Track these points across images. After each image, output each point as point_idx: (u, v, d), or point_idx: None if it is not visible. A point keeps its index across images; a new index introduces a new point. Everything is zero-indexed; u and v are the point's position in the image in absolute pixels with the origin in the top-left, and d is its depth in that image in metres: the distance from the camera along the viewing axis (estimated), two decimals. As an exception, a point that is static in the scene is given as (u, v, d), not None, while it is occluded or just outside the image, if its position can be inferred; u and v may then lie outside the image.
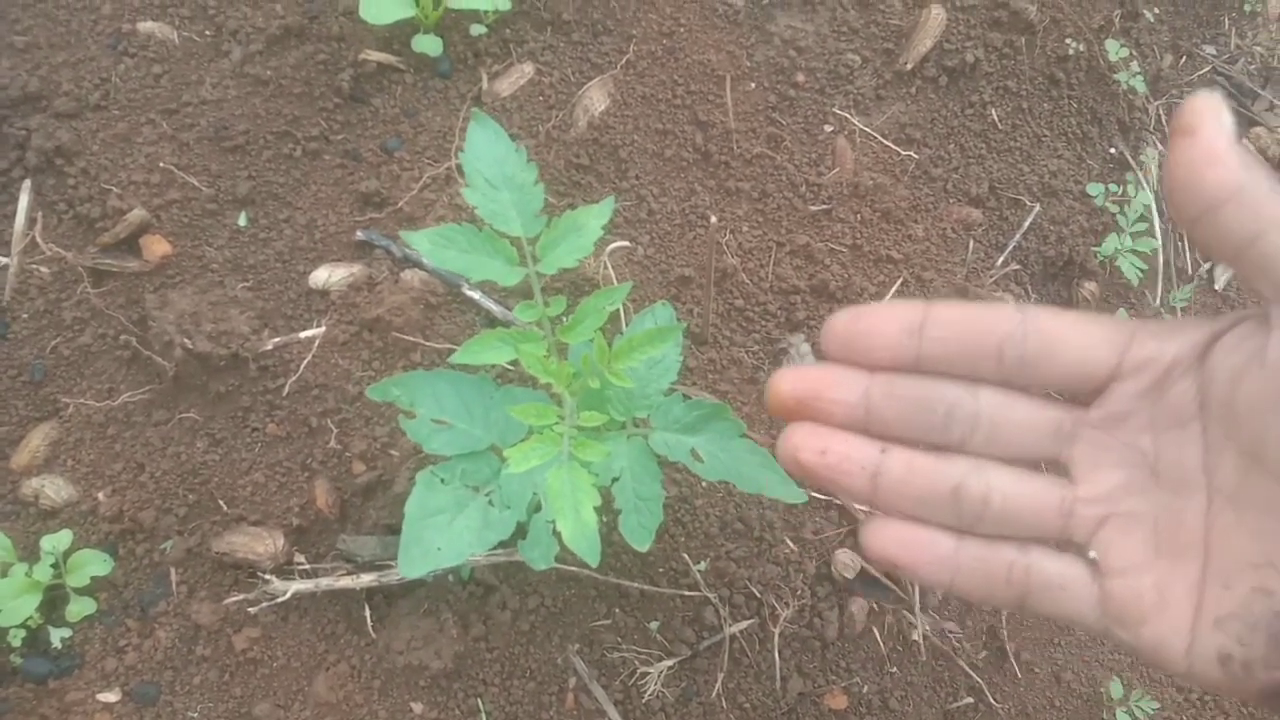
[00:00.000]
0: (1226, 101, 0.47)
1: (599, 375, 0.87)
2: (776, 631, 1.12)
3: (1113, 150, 1.57)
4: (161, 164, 1.28)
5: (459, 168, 1.30)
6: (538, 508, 0.92)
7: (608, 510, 0.93)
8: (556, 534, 0.83)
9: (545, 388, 1.15)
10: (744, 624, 1.11)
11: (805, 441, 0.56)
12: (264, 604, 1.08)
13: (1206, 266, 1.64)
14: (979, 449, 0.56)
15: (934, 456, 0.56)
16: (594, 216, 0.91)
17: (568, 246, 0.90)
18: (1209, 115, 0.47)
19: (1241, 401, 0.48)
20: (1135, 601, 0.51)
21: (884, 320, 0.56)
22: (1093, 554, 0.53)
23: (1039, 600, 0.54)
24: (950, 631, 1.27)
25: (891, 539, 0.56)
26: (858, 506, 1.19)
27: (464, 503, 0.88)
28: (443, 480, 0.88)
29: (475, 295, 1.23)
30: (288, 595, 1.07)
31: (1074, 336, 0.53)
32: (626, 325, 1.19)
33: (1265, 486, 0.47)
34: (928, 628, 1.23)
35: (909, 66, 1.38)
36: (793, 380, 0.57)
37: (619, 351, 0.86)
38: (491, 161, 0.91)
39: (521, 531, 0.92)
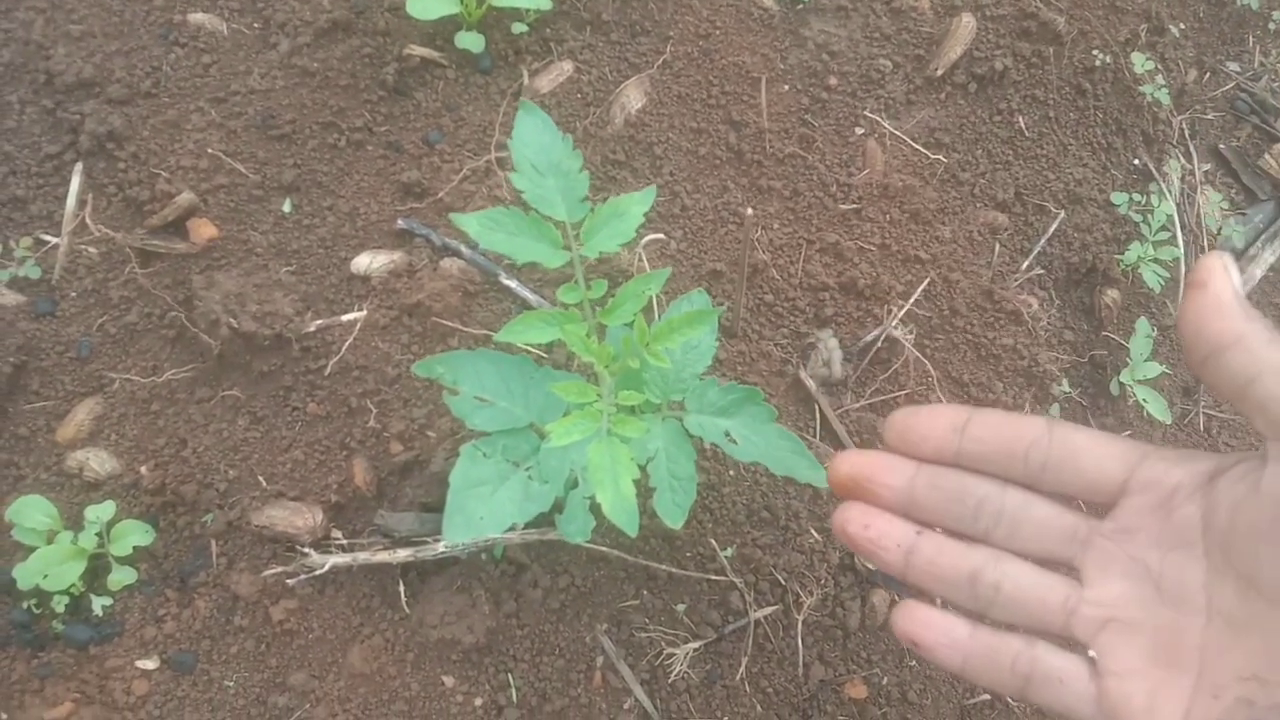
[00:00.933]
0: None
1: (638, 355, 0.90)
2: (800, 619, 1.14)
3: (1136, 161, 1.59)
4: (209, 150, 1.31)
5: (498, 161, 1.33)
6: (575, 484, 0.95)
7: (641, 490, 0.95)
8: (594, 507, 0.85)
9: (584, 368, 1.18)
10: (768, 610, 1.14)
11: (854, 517, 0.66)
12: (302, 576, 1.10)
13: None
14: (1001, 542, 0.62)
15: (960, 543, 0.63)
16: (636, 203, 0.94)
17: (610, 231, 0.93)
18: (1218, 270, 0.53)
19: (1239, 529, 0.52)
20: (1128, 703, 0.55)
21: (935, 417, 0.65)
22: (1092, 653, 0.58)
23: (1039, 691, 0.59)
24: (969, 628, 1.29)
25: (916, 620, 0.63)
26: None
27: (505, 476, 0.91)
28: (485, 454, 0.91)
29: (512, 284, 1.26)
30: (325, 568, 1.09)
31: (1091, 449, 0.59)
32: (659, 316, 1.22)
33: (1259, 609, 0.51)
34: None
35: (939, 73, 1.41)
36: (852, 462, 0.67)
37: (658, 333, 0.89)
38: (539, 149, 0.94)
39: (558, 507, 0.95)
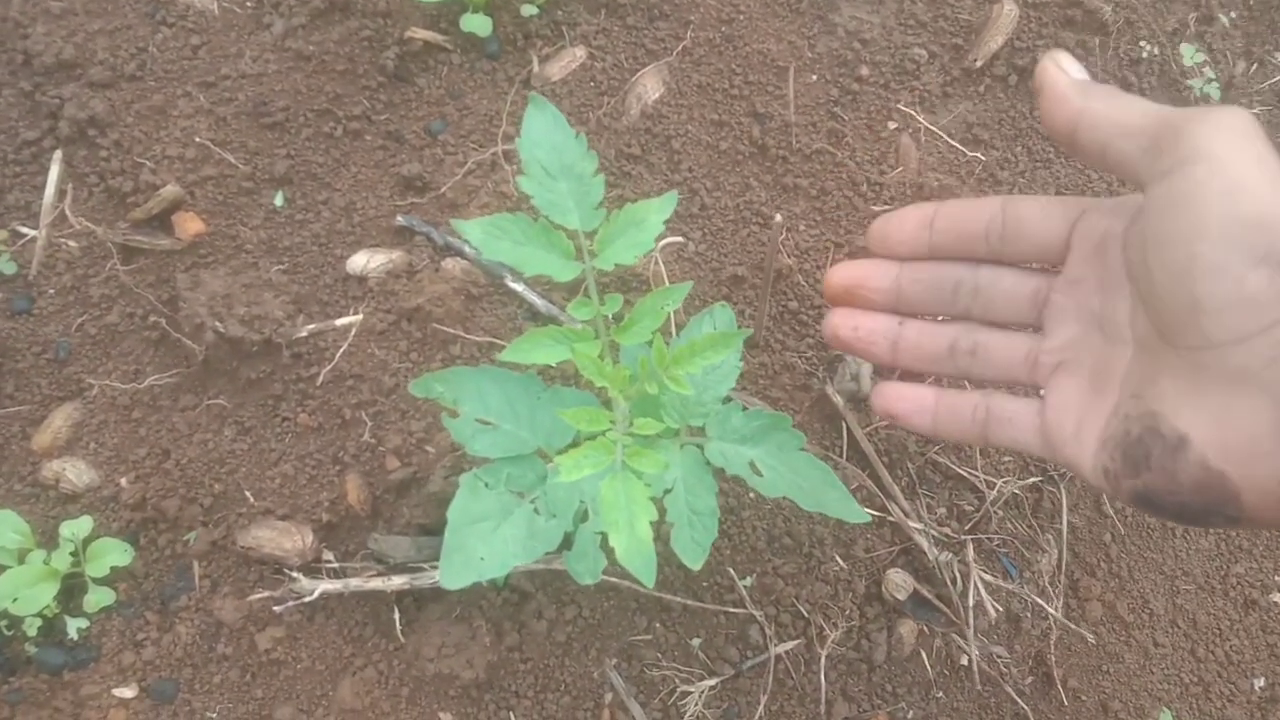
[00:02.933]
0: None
1: (657, 380, 0.81)
2: (823, 653, 1.06)
3: (1182, 159, 1.50)
4: (197, 139, 1.23)
5: (505, 153, 1.24)
6: (585, 517, 0.87)
7: (657, 523, 0.87)
8: (607, 549, 0.77)
9: (597, 391, 1.10)
10: (790, 644, 1.06)
11: (842, 322, 0.72)
12: (289, 603, 1.03)
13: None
14: (980, 316, 0.69)
15: (937, 323, 0.71)
16: (655, 211, 0.86)
17: (626, 242, 0.85)
18: (1050, 69, 0.59)
19: (1132, 254, 0.57)
20: (1061, 430, 0.62)
21: (905, 218, 0.69)
22: (1042, 392, 0.65)
23: (995, 432, 0.67)
24: (998, 656, 1.22)
25: (891, 397, 0.71)
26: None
27: (509, 509, 0.83)
28: (486, 485, 0.83)
29: (519, 288, 1.17)
30: (315, 595, 1.02)
31: (1037, 213, 0.64)
32: (675, 327, 1.14)
33: (1146, 325, 0.57)
34: (977, 652, 1.17)
35: (978, 64, 1.31)
36: (844, 274, 0.72)
37: (679, 356, 0.80)
38: (550, 149, 0.86)
39: (567, 542, 0.87)
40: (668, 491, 0.86)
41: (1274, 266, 0.49)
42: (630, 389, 0.82)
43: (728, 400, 0.91)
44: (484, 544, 0.80)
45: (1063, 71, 0.60)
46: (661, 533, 0.89)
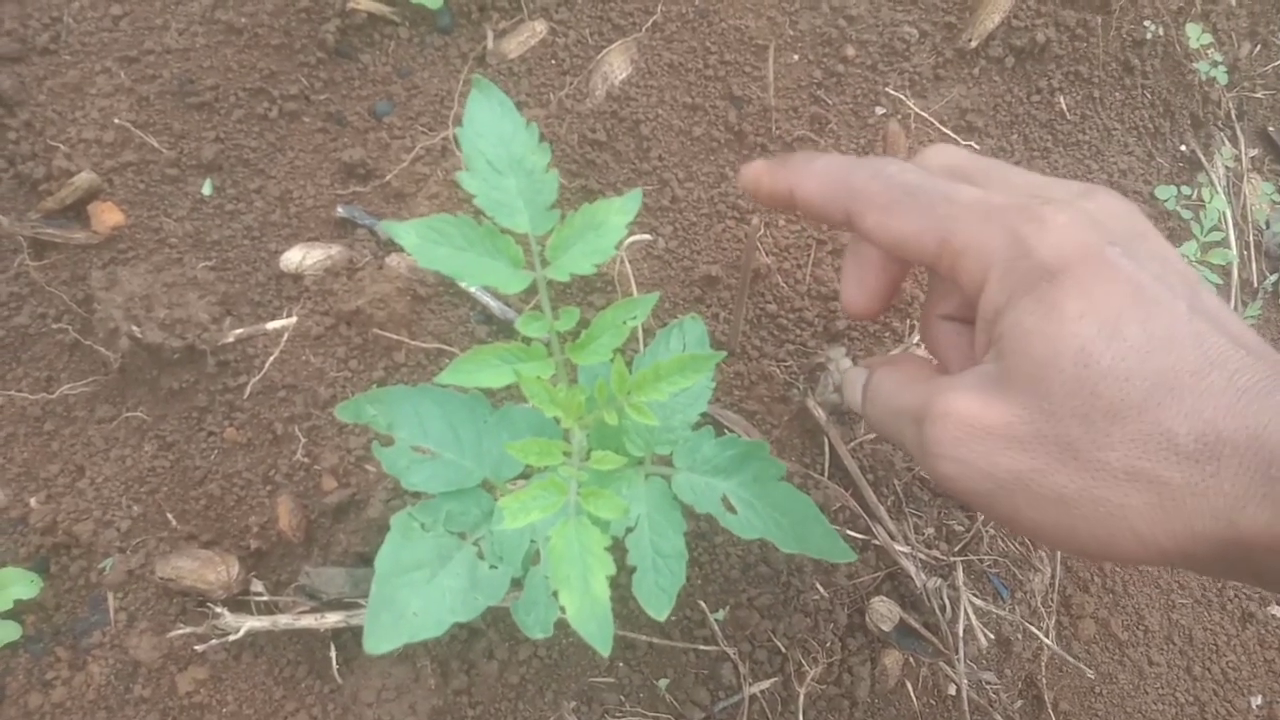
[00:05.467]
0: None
1: (616, 408, 0.71)
2: (802, 692, 0.97)
3: (1184, 148, 1.41)
4: (117, 120, 1.11)
5: (457, 137, 1.13)
6: (537, 559, 0.77)
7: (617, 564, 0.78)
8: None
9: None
10: (766, 683, 0.97)
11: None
12: (213, 641, 0.93)
13: (1273, 279, 1.48)
14: None
15: None
16: (616, 212, 0.75)
17: (584, 248, 0.75)
18: None
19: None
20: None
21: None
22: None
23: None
24: (988, 683, 1.14)
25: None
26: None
27: (447, 554, 0.73)
28: (422, 525, 0.73)
29: (472, 289, 1.07)
30: (240, 633, 0.92)
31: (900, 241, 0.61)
32: (644, 333, 1.04)
33: None
34: (965, 680, 1.09)
35: (973, 44, 1.21)
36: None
37: (642, 381, 0.70)
38: (496, 140, 0.75)
39: (517, 584, 0.77)
40: (630, 530, 0.76)
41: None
42: (586, 417, 0.72)
43: (699, 425, 0.81)
44: (417, 596, 0.70)
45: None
46: (622, 581, 0.80)
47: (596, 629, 0.62)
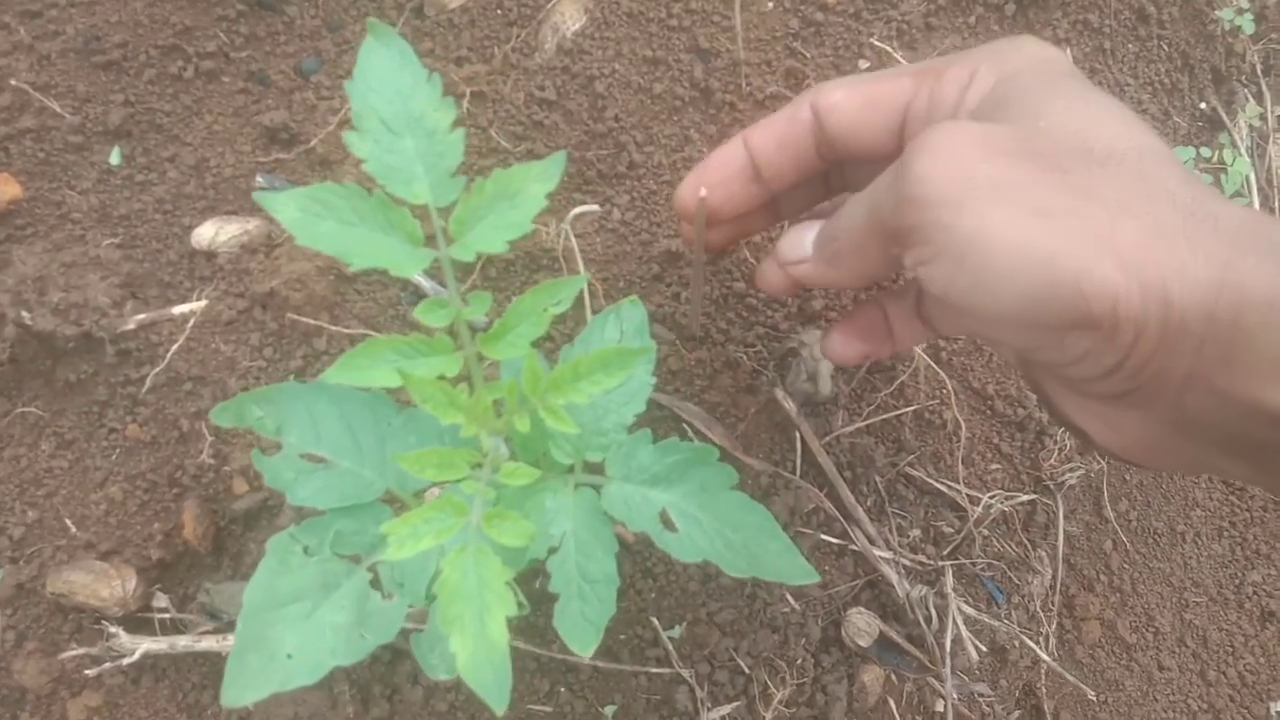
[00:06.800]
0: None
1: (529, 411, 0.61)
2: (768, 716, 0.87)
3: (1203, 105, 1.28)
4: (14, 82, 1.00)
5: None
6: (444, 585, 0.66)
7: (535, 588, 0.67)
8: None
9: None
10: (726, 708, 0.86)
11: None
12: (107, 664, 0.83)
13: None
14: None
15: None
16: (534, 179, 0.64)
17: (495, 221, 0.64)
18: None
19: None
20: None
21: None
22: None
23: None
24: (980, 695, 1.03)
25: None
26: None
27: (333, 583, 0.62)
28: (305, 549, 0.63)
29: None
30: (137, 656, 0.82)
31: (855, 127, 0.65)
32: (592, 316, 0.92)
33: None
34: (955, 694, 0.99)
35: (968, -12, 1.08)
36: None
37: (559, 380, 0.59)
38: (393, 95, 0.64)
39: (420, 615, 0.67)
40: (553, 551, 0.66)
41: (1085, 328, 0.46)
42: (496, 423, 0.61)
43: (637, 426, 0.70)
44: (293, 635, 0.59)
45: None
46: (537, 595, 0.69)
47: (492, 681, 0.52)
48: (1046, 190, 0.47)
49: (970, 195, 0.48)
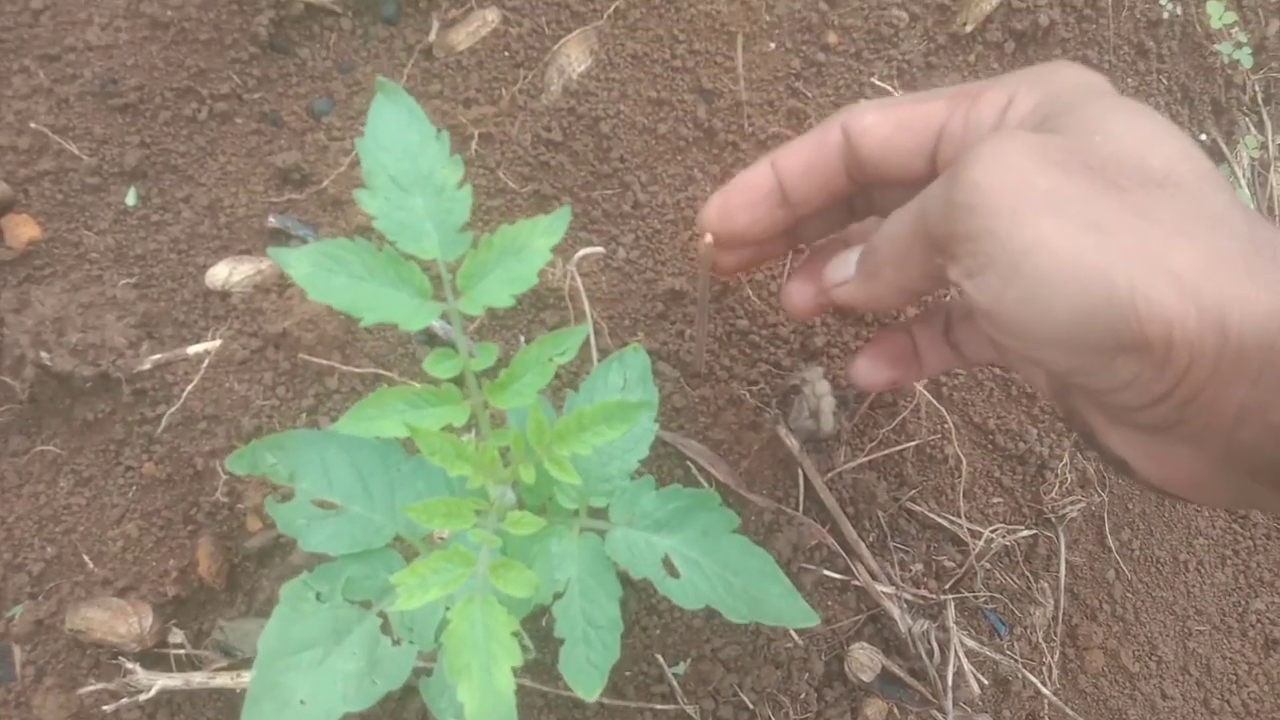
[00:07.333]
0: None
1: (534, 462, 0.62)
2: (772, 751, 0.89)
3: (1204, 136, 1.30)
4: (34, 124, 1.02)
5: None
6: (452, 629, 0.68)
7: (540, 632, 0.69)
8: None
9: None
10: (731, 743, 0.88)
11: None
12: (124, 700, 0.85)
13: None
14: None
15: None
16: (540, 234, 0.66)
17: (502, 276, 0.65)
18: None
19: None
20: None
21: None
22: None
23: None
24: (984, 726, 1.04)
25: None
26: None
27: (345, 630, 0.64)
28: (318, 595, 0.64)
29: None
30: (153, 692, 0.84)
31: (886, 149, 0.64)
32: (599, 354, 0.94)
33: None
34: (958, 726, 1.00)
35: (968, 28, 1.10)
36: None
37: (563, 432, 0.61)
38: (401, 153, 0.66)
39: (431, 655, 0.69)
40: (559, 596, 0.67)
41: (1137, 351, 0.45)
42: (502, 473, 0.63)
43: (641, 472, 0.72)
44: (306, 683, 0.61)
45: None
46: (543, 630, 0.71)
47: (498, 730, 0.54)
48: (1104, 205, 0.46)
49: (1025, 205, 0.47)
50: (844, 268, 0.65)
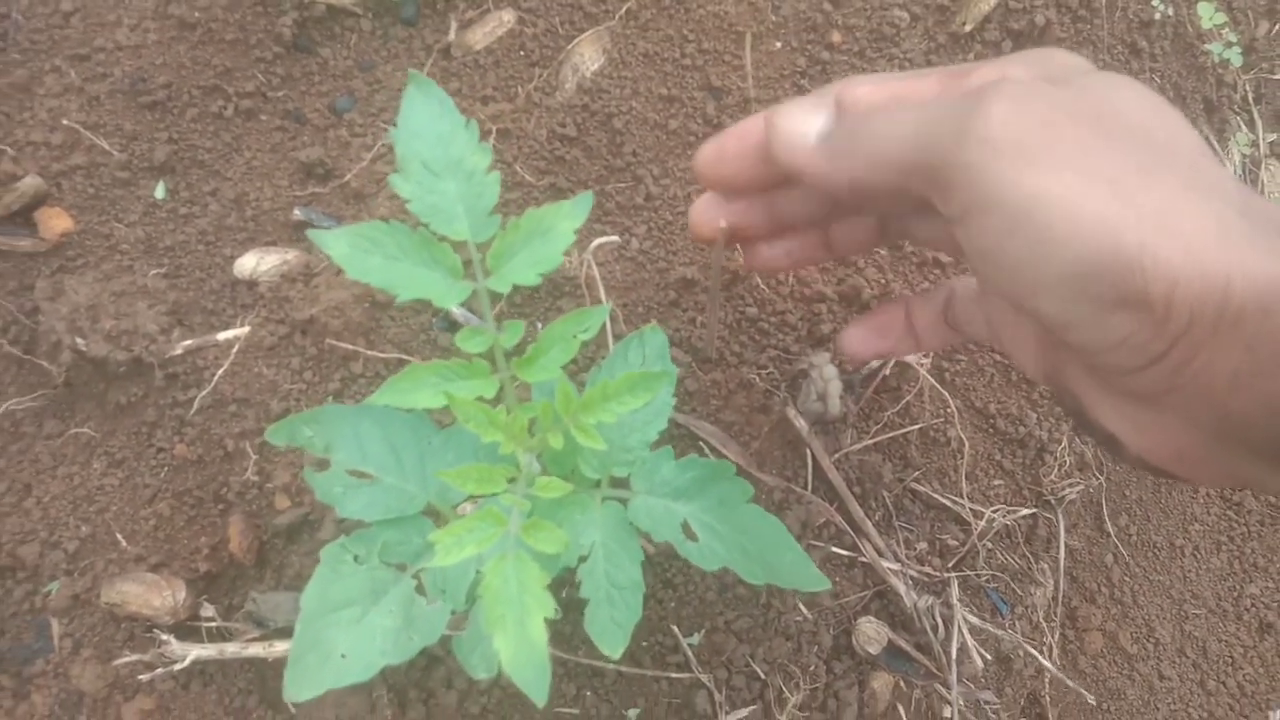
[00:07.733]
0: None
1: (562, 430, 0.66)
2: (782, 719, 0.92)
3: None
4: (66, 121, 1.06)
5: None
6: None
7: (566, 595, 0.72)
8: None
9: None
10: (743, 711, 0.91)
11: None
12: (159, 670, 0.88)
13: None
14: None
15: None
16: (564, 217, 0.70)
17: (529, 256, 0.69)
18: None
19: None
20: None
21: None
22: None
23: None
24: (986, 702, 1.07)
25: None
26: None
27: (382, 589, 0.67)
28: (355, 558, 0.68)
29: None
30: (187, 662, 0.87)
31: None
32: (613, 338, 0.98)
33: None
34: (961, 701, 1.03)
35: (967, 28, 1.14)
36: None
37: (589, 401, 0.65)
38: (433, 140, 0.70)
39: (458, 621, 0.72)
40: (583, 559, 0.71)
41: (1136, 308, 0.45)
42: (530, 441, 0.67)
43: (661, 443, 0.75)
44: (346, 638, 0.64)
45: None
46: (570, 601, 0.74)
47: (533, 676, 0.57)
48: (1115, 162, 0.46)
49: (1043, 150, 0.47)
50: (800, 124, 0.60)
